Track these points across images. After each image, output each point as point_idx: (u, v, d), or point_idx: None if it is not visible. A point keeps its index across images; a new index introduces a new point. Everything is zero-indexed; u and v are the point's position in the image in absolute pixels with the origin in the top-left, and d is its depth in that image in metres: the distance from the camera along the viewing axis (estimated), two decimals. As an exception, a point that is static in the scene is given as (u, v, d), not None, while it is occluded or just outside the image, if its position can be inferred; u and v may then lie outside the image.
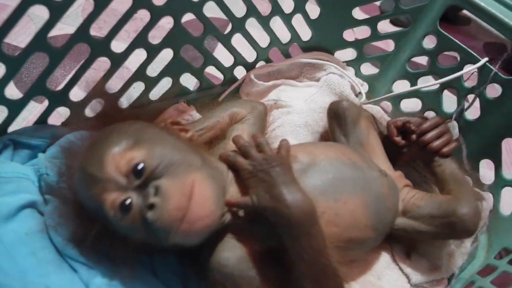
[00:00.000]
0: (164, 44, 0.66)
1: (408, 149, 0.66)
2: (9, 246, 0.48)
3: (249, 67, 0.81)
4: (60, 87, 0.60)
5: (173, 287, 0.54)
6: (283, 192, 0.45)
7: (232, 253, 0.48)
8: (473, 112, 0.72)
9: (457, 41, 0.70)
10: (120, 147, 0.45)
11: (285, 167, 0.48)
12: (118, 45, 0.62)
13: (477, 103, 0.70)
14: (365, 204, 0.54)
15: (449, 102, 0.75)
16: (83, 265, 0.50)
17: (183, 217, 0.42)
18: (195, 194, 0.43)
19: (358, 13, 0.81)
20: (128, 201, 0.43)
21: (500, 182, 0.69)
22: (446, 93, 0.75)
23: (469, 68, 0.69)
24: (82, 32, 0.57)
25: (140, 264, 0.54)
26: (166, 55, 0.69)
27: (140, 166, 0.44)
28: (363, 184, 0.55)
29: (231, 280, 0.47)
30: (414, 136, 0.64)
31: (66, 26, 0.67)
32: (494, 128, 0.69)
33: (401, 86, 0.81)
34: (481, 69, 0.69)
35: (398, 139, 0.65)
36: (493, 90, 0.68)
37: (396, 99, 0.80)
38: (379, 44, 0.90)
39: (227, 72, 0.79)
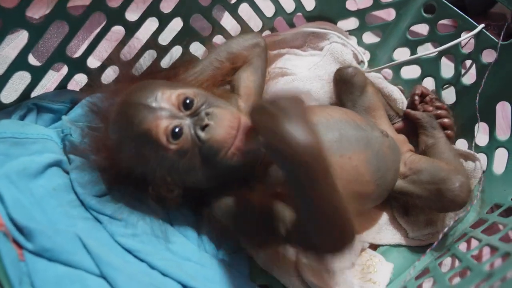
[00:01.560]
0: (175, 13, 0.69)
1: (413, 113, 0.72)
2: (39, 199, 0.52)
3: (255, 36, 0.84)
4: (78, 55, 0.64)
5: (188, 234, 0.58)
6: (288, 130, 0.38)
7: (229, 200, 0.52)
8: (469, 77, 0.75)
9: (454, 8, 0.73)
10: (169, 85, 0.51)
11: (298, 102, 0.42)
12: (131, 16, 0.65)
13: (473, 68, 0.74)
14: (367, 161, 0.58)
15: (447, 68, 0.78)
16: (107, 217, 0.55)
17: (234, 137, 0.48)
18: (243, 123, 0.49)
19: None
20: (180, 127, 0.48)
21: (493, 144, 0.73)
22: (444, 60, 0.78)
23: (466, 35, 0.72)
24: (99, 2, 0.60)
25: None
26: (176, 26, 0.72)
27: (189, 100, 0.50)
28: (366, 142, 0.58)
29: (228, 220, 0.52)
30: (431, 108, 0.72)
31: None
32: (489, 92, 0.72)
33: (402, 53, 0.84)
34: (477, 36, 0.72)
35: (416, 99, 0.73)
36: (489, 55, 0.71)
37: (397, 67, 0.83)
38: (381, 13, 0.92)
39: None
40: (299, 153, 0.38)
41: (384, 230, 0.68)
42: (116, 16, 0.63)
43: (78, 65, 0.64)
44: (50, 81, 0.73)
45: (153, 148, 0.49)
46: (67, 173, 0.58)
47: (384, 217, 0.69)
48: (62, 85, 0.66)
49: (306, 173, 0.39)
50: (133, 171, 0.52)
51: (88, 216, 0.55)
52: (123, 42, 0.66)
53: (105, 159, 0.53)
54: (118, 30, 0.65)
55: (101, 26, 0.63)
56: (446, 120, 0.72)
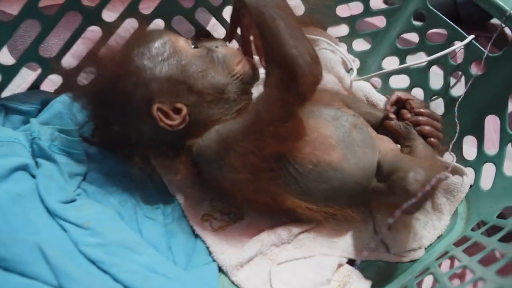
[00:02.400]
0: (155, 14, 0.67)
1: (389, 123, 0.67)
2: (1, 205, 0.50)
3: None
4: (52, 55, 0.62)
5: (157, 245, 0.56)
6: None
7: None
8: (459, 89, 0.73)
9: (444, 17, 0.71)
10: None
11: None
12: (110, 15, 0.63)
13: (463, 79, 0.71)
14: (331, 131, 0.57)
15: (436, 79, 0.76)
16: (73, 225, 0.53)
17: (241, 57, 0.58)
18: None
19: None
20: (196, 45, 0.57)
21: (481, 158, 0.71)
22: (433, 70, 0.76)
23: (456, 46, 0.70)
24: (74, 1, 0.58)
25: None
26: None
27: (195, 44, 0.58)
28: (333, 115, 0.59)
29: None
30: (409, 115, 0.66)
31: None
32: (477, 105, 0.70)
33: (391, 62, 0.82)
34: (467, 46, 0.70)
35: (390, 108, 0.68)
36: (478, 67, 0.69)
37: (386, 76, 0.81)
38: (373, 20, 0.90)
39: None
40: None
41: (364, 244, 0.66)
42: (92, 16, 0.61)
43: (52, 66, 0.62)
44: (26, 80, 0.71)
45: (169, 56, 0.53)
46: (34, 177, 0.56)
47: (365, 231, 0.66)
48: (37, 85, 0.64)
49: None
50: (137, 91, 0.53)
51: (53, 224, 0.52)
52: (100, 43, 0.64)
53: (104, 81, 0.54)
54: (96, 29, 0.63)
55: (76, 26, 0.61)
56: (426, 127, 0.65)
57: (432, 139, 0.65)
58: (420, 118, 0.65)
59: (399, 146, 0.66)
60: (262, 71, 0.56)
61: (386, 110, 0.68)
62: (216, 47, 0.58)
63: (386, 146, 0.62)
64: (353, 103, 0.70)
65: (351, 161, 0.57)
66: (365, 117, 0.67)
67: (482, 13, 0.87)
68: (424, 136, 0.65)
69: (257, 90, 0.72)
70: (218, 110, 0.55)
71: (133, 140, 0.56)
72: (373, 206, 0.64)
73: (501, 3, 0.63)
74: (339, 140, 0.57)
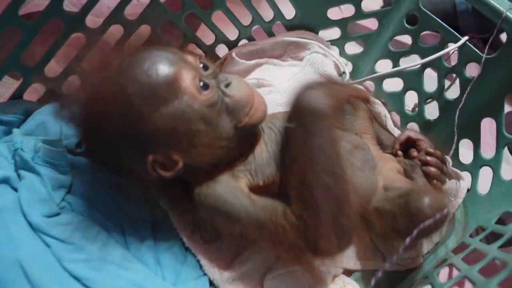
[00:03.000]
0: (142, 20, 0.66)
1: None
2: (-19, 220, 0.48)
3: (232, 45, 0.80)
4: (35, 63, 0.60)
5: (145, 259, 0.54)
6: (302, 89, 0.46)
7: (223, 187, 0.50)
8: (453, 91, 0.71)
9: (438, 19, 0.70)
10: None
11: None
12: (94, 21, 0.61)
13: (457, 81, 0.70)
14: None
15: (430, 81, 0.74)
16: (56, 240, 0.51)
17: (253, 100, 0.50)
18: (255, 93, 0.52)
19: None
20: (206, 81, 0.48)
21: (478, 162, 0.69)
22: (427, 73, 0.74)
23: (449, 48, 0.68)
24: (56, 7, 0.56)
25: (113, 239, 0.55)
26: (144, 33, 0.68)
27: (203, 64, 0.50)
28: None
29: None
30: (416, 154, 0.65)
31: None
32: (473, 108, 0.68)
33: (384, 65, 0.81)
34: (461, 48, 0.68)
35: (399, 146, 0.67)
36: (473, 69, 0.68)
37: (379, 79, 0.80)
38: (365, 22, 0.89)
39: (209, 50, 0.78)
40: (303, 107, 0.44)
41: (360, 253, 0.64)
42: (75, 23, 0.59)
43: (34, 74, 0.60)
44: (9, 90, 0.68)
45: (174, 102, 0.46)
46: (16, 190, 0.54)
47: (361, 240, 0.64)
48: (20, 94, 0.62)
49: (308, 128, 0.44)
50: (133, 137, 0.47)
51: (35, 239, 0.50)
52: (86, 49, 0.62)
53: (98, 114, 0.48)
54: (80, 36, 0.61)
55: (59, 33, 0.59)
56: (433, 169, 0.63)
57: (435, 181, 0.64)
58: (429, 158, 0.64)
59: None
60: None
61: (394, 148, 0.68)
62: (228, 84, 0.49)
63: (389, 166, 0.62)
64: (356, 120, 0.67)
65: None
66: (370, 135, 0.66)
67: (481, 24, 0.86)
68: (429, 177, 0.63)
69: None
70: (217, 158, 0.50)
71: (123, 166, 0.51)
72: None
73: (496, 4, 0.62)
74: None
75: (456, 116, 0.67)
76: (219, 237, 0.58)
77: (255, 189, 0.51)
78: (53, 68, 0.62)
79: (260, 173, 0.52)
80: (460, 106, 0.67)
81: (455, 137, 0.68)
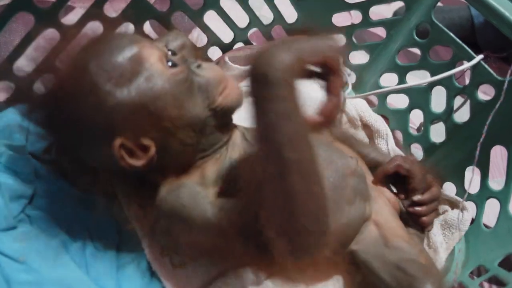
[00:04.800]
0: (124, 17, 0.60)
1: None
2: None
3: (225, 48, 0.75)
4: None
5: (106, 285, 0.49)
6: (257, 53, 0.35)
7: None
8: (462, 114, 0.65)
9: (451, 34, 0.63)
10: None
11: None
12: (69, 17, 0.56)
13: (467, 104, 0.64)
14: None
15: (438, 101, 0.68)
16: (7, 258, 0.46)
17: (226, 82, 0.47)
18: (229, 79, 0.48)
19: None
20: (174, 61, 0.45)
21: (485, 193, 0.63)
22: (435, 91, 0.68)
23: (461, 67, 0.62)
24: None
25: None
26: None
27: (172, 49, 0.48)
28: (332, 161, 0.51)
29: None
30: (404, 204, 0.58)
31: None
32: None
33: (390, 79, 0.75)
34: (475, 68, 0.62)
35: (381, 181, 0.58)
36: (486, 92, 0.62)
37: (383, 94, 0.74)
38: (375, 29, 0.83)
39: (200, 52, 0.73)
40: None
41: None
42: (47, 18, 0.54)
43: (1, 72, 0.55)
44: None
45: (138, 77, 0.43)
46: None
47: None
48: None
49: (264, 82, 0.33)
50: (99, 122, 0.43)
51: (-15, 257, 0.46)
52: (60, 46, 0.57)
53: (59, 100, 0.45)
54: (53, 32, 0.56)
55: (28, 29, 0.54)
56: (425, 219, 0.57)
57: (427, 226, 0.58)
58: (419, 209, 0.57)
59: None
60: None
61: (376, 178, 0.58)
62: (199, 66, 0.47)
63: (384, 199, 0.56)
64: (356, 144, 0.62)
65: (335, 216, 0.47)
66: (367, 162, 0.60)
67: (502, 40, 0.78)
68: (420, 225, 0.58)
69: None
70: (192, 148, 0.47)
71: (90, 166, 0.48)
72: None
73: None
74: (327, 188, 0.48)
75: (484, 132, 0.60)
76: (190, 261, 0.53)
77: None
78: (23, 65, 0.57)
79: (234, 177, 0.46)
80: (484, 133, 0.60)
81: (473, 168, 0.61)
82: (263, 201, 0.37)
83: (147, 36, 0.66)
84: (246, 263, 0.50)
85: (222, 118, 0.48)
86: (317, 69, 0.37)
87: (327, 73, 0.37)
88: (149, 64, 0.43)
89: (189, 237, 0.46)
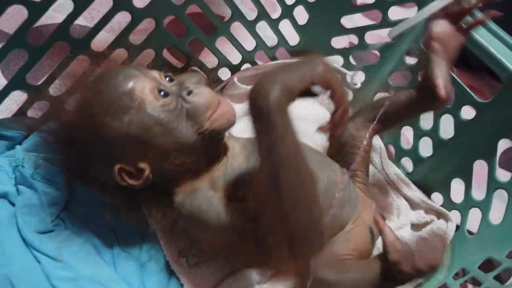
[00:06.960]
0: (145, 45, 0.68)
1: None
2: (-24, 234, 0.50)
3: (234, 69, 0.82)
4: (39, 82, 0.62)
5: (131, 281, 0.56)
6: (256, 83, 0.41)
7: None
8: (447, 132, 0.72)
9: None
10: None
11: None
12: (99, 45, 0.63)
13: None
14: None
15: (425, 119, 0.75)
16: (47, 257, 0.53)
17: (215, 107, 0.50)
18: (222, 102, 0.52)
19: (346, 22, 0.81)
20: (166, 90, 0.50)
21: (469, 202, 0.70)
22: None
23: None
24: (63, 31, 0.58)
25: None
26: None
27: (169, 77, 0.53)
28: (323, 163, 0.59)
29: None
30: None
31: (59, 15, 0.68)
32: (466, 149, 0.69)
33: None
34: (459, 90, 0.69)
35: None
36: (468, 112, 0.68)
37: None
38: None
39: (211, 73, 0.80)
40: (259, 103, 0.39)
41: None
42: (81, 45, 0.61)
43: (38, 92, 0.62)
44: (15, 102, 0.71)
45: (133, 111, 0.48)
46: (14, 205, 0.56)
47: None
48: (25, 110, 0.65)
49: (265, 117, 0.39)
50: (98, 146, 0.50)
51: (27, 255, 0.52)
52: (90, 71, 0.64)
53: (66, 127, 0.52)
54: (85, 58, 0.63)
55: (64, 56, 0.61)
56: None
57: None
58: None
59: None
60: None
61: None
62: (189, 92, 0.50)
63: (370, 215, 0.60)
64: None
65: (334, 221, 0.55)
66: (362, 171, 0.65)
67: None
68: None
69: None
70: (185, 167, 0.51)
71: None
72: None
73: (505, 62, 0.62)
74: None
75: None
76: (204, 262, 0.60)
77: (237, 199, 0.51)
78: (57, 87, 0.64)
79: (239, 184, 0.52)
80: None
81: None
82: (265, 213, 0.43)
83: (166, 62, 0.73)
84: (255, 262, 0.57)
85: (211, 140, 0.51)
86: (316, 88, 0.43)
87: (326, 89, 0.42)
88: (140, 97, 0.48)
89: (205, 236, 0.52)
